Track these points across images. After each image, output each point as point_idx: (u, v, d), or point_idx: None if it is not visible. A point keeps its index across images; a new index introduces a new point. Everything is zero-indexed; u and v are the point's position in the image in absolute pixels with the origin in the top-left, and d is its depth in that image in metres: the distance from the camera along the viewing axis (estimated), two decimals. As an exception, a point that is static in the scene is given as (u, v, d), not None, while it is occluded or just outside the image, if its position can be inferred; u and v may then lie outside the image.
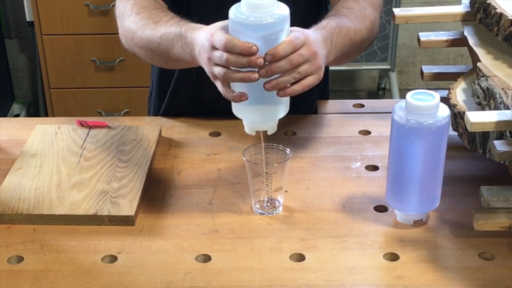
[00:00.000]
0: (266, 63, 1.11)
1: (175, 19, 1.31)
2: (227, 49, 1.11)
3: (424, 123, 1.10)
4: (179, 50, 1.26)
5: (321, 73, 1.18)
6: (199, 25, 1.24)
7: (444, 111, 1.12)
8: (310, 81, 1.16)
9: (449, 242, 1.15)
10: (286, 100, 1.19)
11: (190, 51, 1.23)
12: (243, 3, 1.11)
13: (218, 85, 1.16)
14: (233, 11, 1.12)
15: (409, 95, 1.12)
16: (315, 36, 1.19)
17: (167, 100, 1.54)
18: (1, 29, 3.07)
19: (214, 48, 1.13)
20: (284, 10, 1.12)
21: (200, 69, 1.24)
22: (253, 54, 1.10)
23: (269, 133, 1.20)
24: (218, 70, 1.13)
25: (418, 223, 1.19)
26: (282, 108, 1.18)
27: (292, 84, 1.15)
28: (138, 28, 1.34)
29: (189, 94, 1.52)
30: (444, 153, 1.16)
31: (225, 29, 1.14)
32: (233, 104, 1.19)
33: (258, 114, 1.18)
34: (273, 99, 1.15)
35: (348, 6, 1.35)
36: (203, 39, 1.18)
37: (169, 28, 1.29)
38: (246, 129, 1.20)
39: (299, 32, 1.15)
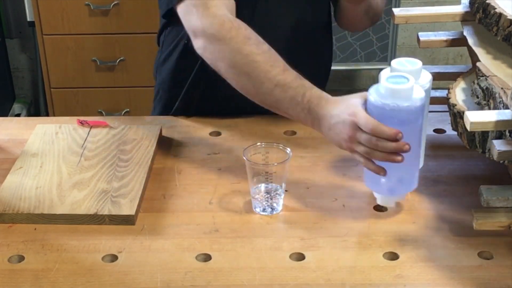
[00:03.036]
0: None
1: (291, 70, 1.24)
2: (375, 133, 1.12)
3: (399, 105, 1.10)
4: (295, 109, 1.22)
5: None
6: (324, 94, 1.22)
7: (419, 93, 1.12)
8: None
9: (449, 242, 1.16)
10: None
11: (311, 120, 1.20)
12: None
13: (358, 158, 1.17)
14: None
15: (384, 78, 1.12)
16: None
17: (183, 94, 1.53)
18: (2, 29, 3.07)
19: (358, 128, 1.13)
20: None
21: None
22: (398, 140, 1.11)
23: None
24: (363, 149, 1.14)
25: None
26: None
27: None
28: (248, 60, 1.24)
29: (204, 88, 1.51)
30: (420, 135, 1.16)
31: (363, 106, 1.14)
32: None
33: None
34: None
35: None
36: (340, 115, 1.16)
37: (287, 81, 1.22)
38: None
39: None
